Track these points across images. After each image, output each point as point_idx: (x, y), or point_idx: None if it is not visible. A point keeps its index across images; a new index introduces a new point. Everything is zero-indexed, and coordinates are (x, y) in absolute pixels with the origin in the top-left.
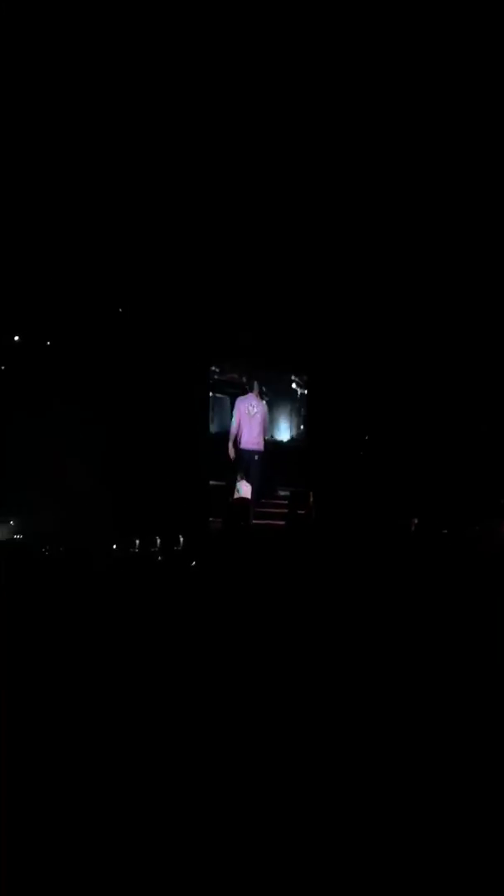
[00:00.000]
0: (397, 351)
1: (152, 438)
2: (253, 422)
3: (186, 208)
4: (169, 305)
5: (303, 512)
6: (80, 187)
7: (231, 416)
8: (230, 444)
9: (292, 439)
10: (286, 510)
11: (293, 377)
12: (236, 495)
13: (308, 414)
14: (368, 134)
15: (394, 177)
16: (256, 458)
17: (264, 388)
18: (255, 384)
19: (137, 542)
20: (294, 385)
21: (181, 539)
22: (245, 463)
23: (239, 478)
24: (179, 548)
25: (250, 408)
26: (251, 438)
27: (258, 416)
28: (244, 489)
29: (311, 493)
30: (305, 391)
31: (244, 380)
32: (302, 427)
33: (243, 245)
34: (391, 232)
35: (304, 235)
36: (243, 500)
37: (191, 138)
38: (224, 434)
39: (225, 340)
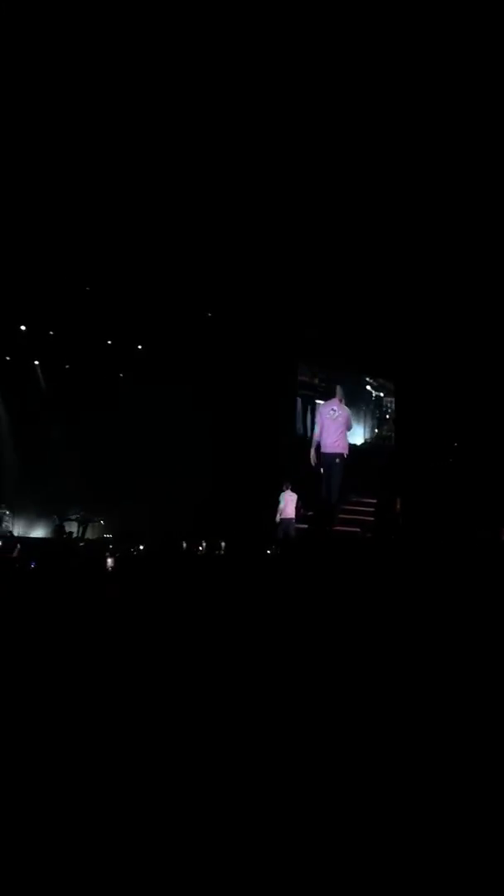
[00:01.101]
0: (487, 355)
1: (236, 442)
2: (334, 426)
3: (271, 211)
4: (253, 308)
5: (389, 518)
6: (173, 201)
7: (311, 420)
8: (311, 450)
9: (365, 442)
10: (370, 516)
11: (368, 379)
12: (280, 507)
13: (397, 419)
14: (447, 139)
15: (484, 183)
16: (338, 461)
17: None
18: (339, 389)
19: (204, 543)
20: (369, 387)
21: (271, 548)
22: (326, 466)
23: (284, 488)
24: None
25: (332, 412)
26: (332, 442)
27: (340, 419)
28: (288, 502)
29: (398, 500)
30: (381, 394)
31: (316, 381)
32: (376, 430)
33: (331, 249)
34: (487, 235)
35: (396, 238)
36: (326, 504)
37: (278, 150)
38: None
39: (308, 341)
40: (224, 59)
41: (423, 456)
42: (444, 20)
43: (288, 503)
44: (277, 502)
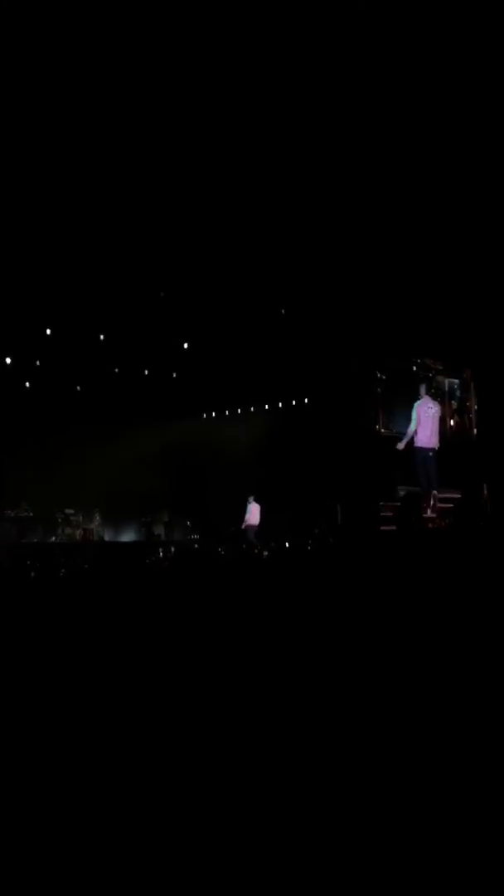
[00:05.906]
0: None
1: (316, 441)
2: (431, 422)
3: (344, 209)
4: (328, 304)
5: (476, 506)
6: (244, 202)
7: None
8: (403, 441)
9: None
10: (456, 505)
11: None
12: (245, 516)
13: (479, 405)
14: None
15: None
16: (431, 454)
17: (433, 390)
18: (423, 387)
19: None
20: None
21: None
22: (422, 460)
23: (250, 499)
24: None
25: (429, 409)
26: (427, 437)
27: (436, 415)
28: (254, 511)
29: (485, 486)
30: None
31: (379, 375)
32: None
33: (403, 238)
34: None
35: (463, 227)
36: (415, 495)
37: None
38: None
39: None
40: (251, 61)
41: None
42: (444, 20)
43: (253, 512)
44: (244, 511)
